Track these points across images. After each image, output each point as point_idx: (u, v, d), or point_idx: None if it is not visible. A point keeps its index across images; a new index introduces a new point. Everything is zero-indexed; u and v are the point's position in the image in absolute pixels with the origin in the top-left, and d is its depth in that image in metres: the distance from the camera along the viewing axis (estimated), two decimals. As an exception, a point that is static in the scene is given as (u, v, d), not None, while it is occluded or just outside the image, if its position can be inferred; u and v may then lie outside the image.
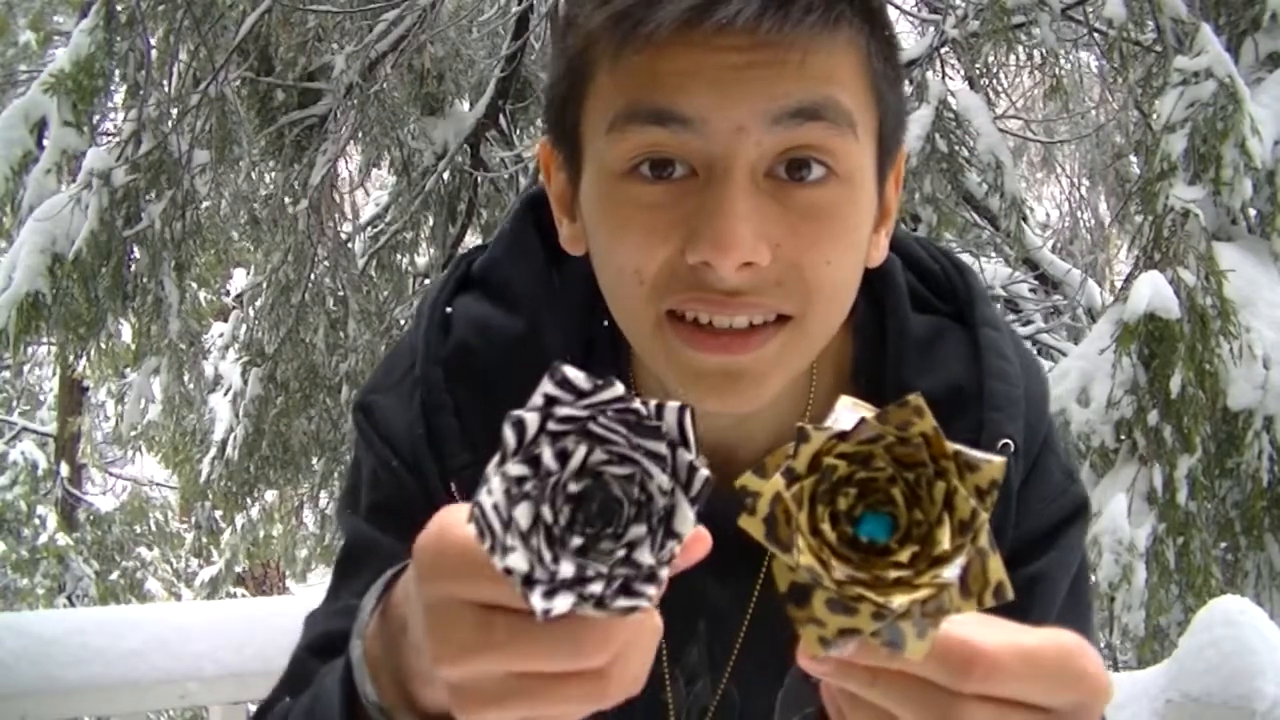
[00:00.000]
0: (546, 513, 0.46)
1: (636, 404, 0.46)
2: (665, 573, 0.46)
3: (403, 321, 4.79)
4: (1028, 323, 5.07)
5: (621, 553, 0.45)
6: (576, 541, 0.45)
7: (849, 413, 0.49)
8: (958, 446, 0.47)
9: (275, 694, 0.85)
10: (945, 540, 0.46)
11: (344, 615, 0.83)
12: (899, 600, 0.45)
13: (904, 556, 0.46)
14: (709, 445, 0.85)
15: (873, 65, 0.76)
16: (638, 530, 0.46)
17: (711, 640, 0.89)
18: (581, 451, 0.46)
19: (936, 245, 0.96)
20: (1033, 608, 0.83)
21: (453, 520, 0.49)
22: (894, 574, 0.46)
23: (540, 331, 0.87)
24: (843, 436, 0.48)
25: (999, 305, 5.27)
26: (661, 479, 0.46)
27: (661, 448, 0.46)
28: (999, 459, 0.47)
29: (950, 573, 0.46)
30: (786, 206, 0.73)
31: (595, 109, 0.76)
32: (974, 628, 0.50)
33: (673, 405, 0.47)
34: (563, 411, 0.46)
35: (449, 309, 0.91)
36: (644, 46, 0.71)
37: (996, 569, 0.47)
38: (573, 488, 0.46)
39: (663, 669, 0.88)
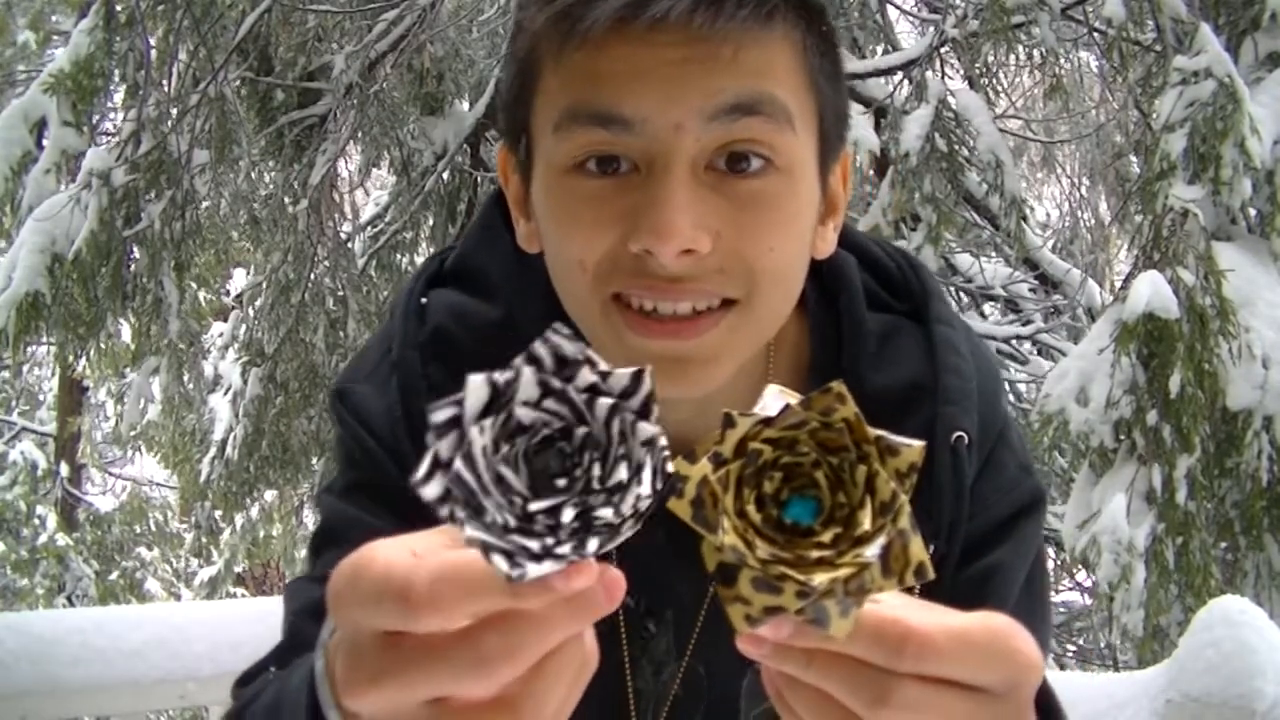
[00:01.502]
0: (509, 473, 0.46)
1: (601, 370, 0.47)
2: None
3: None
4: (1027, 323, 5.06)
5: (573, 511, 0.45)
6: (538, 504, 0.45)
7: (775, 400, 0.50)
8: (879, 432, 0.49)
9: (263, 662, 0.86)
10: (866, 521, 0.48)
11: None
12: (820, 579, 0.46)
13: (826, 537, 0.48)
14: (669, 435, 0.86)
15: (809, 60, 0.78)
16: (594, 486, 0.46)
17: (678, 627, 0.90)
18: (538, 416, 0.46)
19: (892, 244, 0.99)
20: (989, 599, 0.85)
21: (371, 550, 0.49)
22: (816, 554, 0.47)
23: (516, 319, 0.89)
24: (768, 422, 0.49)
25: (999, 305, 5.28)
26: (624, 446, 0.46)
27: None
28: (919, 443, 0.49)
29: (871, 552, 0.47)
30: (727, 197, 0.75)
31: (542, 109, 0.79)
32: (907, 609, 0.52)
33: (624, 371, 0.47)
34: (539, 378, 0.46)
35: (424, 300, 0.93)
36: (583, 44, 0.74)
37: (918, 549, 0.49)
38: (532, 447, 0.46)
39: (624, 659, 0.89)
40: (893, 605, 0.51)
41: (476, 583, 0.45)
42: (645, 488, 0.45)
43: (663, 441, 0.46)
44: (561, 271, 0.80)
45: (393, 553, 0.49)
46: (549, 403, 0.46)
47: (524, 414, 0.46)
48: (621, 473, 0.45)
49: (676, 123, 0.73)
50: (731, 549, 0.47)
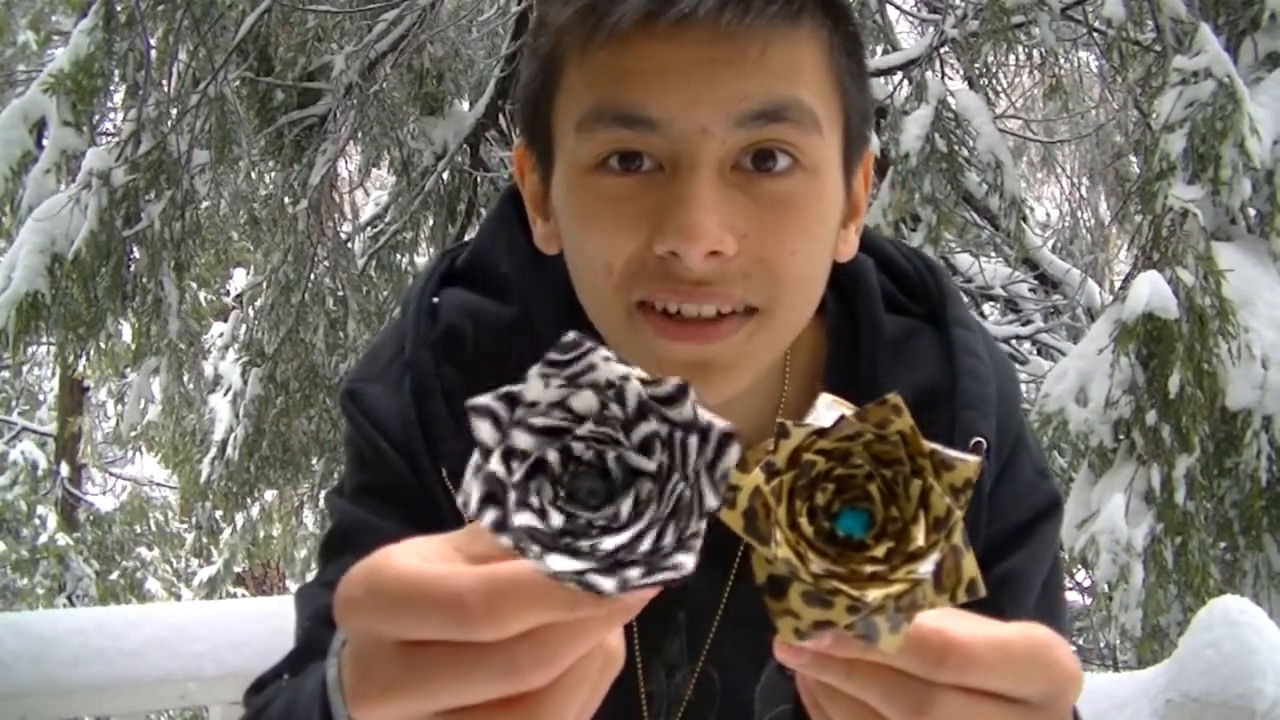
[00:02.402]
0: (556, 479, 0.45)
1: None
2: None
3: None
4: (1027, 323, 5.07)
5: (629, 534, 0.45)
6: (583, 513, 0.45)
7: (828, 410, 0.50)
8: (934, 445, 0.48)
9: (276, 669, 0.85)
10: (920, 537, 0.47)
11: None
12: (874, 595, 0.46)
13: (880, 552, 0.47)
14: None
15: (836, 61, 0.77)
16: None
17: (691, 630, 0.89)
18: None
19: (909, 247, 0.98)
20: (1007, 604, 0.85)
21: (386, 557, 0.48)
22: (870, 569, 0.46)
23: (531, 319, 0.88)
24: (822, 433, 0.48)
25: (999, 305, 5.28)
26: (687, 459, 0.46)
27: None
28: (974, 459, 0.48)
29: (925, 568, 0.46)
30: (753, 197, 0.74)
31: (565, 107, 0.77)
32: (947, 620, 0.51)
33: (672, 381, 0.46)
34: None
35: (435, 299, 0.91)
36: (608, 40, 0.72)
37: (970, 566, 0.48)
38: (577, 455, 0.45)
39: (636, 661, 0.88)
40: (933, 615, 0.50)
41: (538, 595, 0.44)
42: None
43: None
44: (585, 272, 0.78)
45: (412, 560, 0.47)
46: (623, 438, 0.45)
47: (578, 449, 0.45)
48: (711, 499, 0.45)
49: (702, 126, 0.72)
50: (784, 562, 0.46)
